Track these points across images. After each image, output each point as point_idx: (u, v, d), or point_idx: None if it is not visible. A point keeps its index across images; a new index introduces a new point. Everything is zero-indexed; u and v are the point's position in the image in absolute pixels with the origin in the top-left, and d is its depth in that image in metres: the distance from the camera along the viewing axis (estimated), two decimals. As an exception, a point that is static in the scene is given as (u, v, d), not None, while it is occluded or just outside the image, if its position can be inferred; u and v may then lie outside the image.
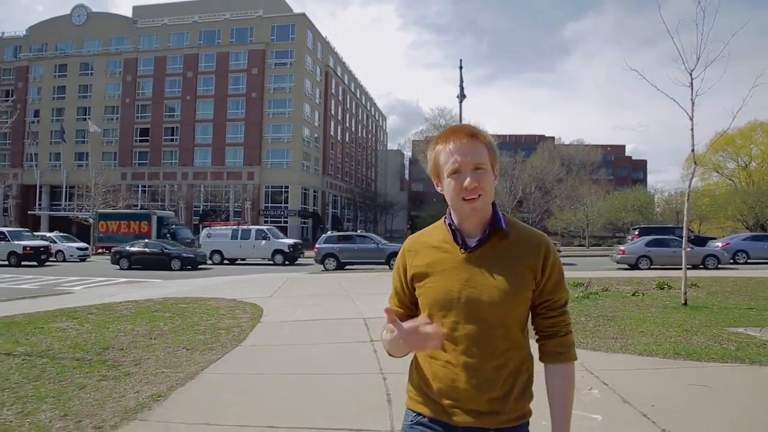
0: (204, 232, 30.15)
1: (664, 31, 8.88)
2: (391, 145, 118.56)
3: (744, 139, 53.27)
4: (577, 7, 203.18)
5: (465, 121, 27.85)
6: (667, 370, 5.37)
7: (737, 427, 3.82)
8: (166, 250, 26.22)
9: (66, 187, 67.18)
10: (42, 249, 27.83)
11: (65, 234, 35.47)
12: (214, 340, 7.43)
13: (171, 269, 24.92)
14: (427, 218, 58.86)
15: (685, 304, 9.09)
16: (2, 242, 27.32)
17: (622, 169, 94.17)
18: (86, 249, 32.76)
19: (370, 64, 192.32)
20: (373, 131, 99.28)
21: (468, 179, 1.47)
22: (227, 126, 62.34)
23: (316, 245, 24.70)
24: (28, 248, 27.09)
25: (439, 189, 1.61)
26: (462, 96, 22.14)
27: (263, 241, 28.14)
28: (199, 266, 25.87)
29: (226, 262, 28.73)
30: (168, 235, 35.30)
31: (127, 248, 26.93)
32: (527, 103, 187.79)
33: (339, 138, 75.47)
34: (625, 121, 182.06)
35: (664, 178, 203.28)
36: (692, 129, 8.70)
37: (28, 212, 66.09)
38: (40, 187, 66.87)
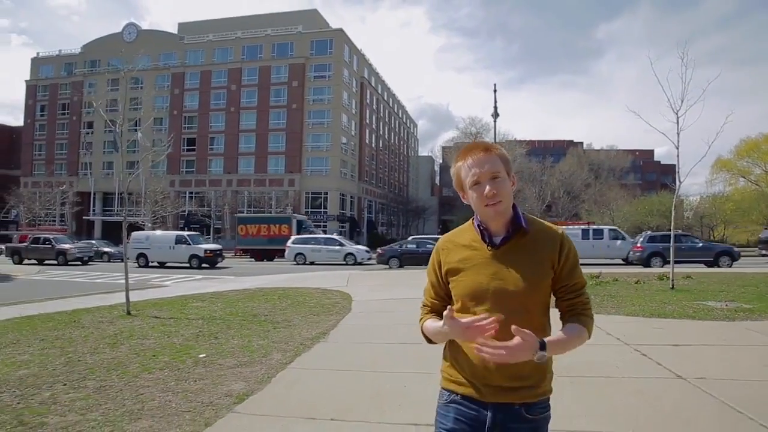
0: None
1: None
2: (422, 149, 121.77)
3: (769, 145, 54.73)
4: (610, 8, 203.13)
5: (497, 129, 30.45)
6: (641, 322, 8.27)
7: (670, 342, 6.66)
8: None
9: (118, 194, 71.87)
10: (218, 252, 30.41)
11: (331, 236, 36.98)
12: (328, 310, 10.47)
13: None
14: (459, 222, 60.84)
15: (672, 288, 11.90)
16: (184, 245, 29.69)
17: (650, 173, 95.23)
18: (369, 251, 33.52)
19: (401, 68, 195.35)
20: (405, 138, 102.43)
21: (488, 188, 1.68)
22: (269, 136, 66.29)
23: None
24: (208, 251, 29.44)
25: (465, 201, 1.81)
26: (496, 114, 25.04)
27: (618, 241, 27.67)
28: None
29: None
30: None
31: (396, 248, 28.75)
32: (558, 107, 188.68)
33: (373, 146, 78.82)
34: (659, 123, 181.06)
35: (699, 180, 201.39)
36: (678, 156, 11.52)
37: (83, 217, 70.80)
38: (94, 194, 71.69)
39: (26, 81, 78.69)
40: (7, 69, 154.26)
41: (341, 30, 67.26)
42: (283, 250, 37.35)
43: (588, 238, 27.34)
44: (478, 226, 1.77)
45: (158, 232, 34.44)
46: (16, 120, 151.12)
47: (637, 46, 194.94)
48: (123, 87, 13.39)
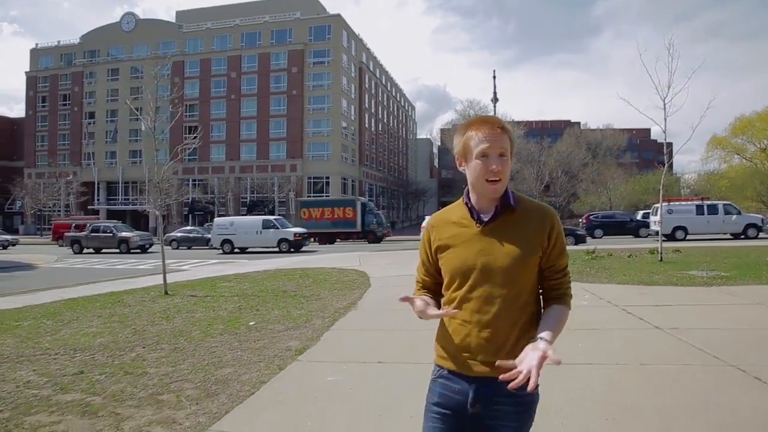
0: (664, 208, 28.63)
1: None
2: (420, 131, 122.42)
3: (763, 123, 55.63)
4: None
5: (496, 111, 31.21)
6: (630, 289, 9.43)
7: (653, 303, 7.78)
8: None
9: (122, 183, 72.87)
10: (305, 236, 31.09)
11: None
12: (349, 286, 11.58)
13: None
14: (459, 204, 62.17)
15: (661, 260, 13.05)
16: (272, 230, 30.02)
17: (647, 152, 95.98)
18: None
19: (397, 50, 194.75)
20: (403, 121, 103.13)
21: (495, 164, 1.72)
22: (270, 122, 67.03)
23: None
24: (297, 235, 29.97)
25: (461, 168, 1.83)
26: (495, 99, 26.03)
27: (733, 216, 28.03)
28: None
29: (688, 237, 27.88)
30: (375, 220, 38.63)
31: None
32: (556, 86, 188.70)
33: (373, 130, 79.58)
34: (658, 100, 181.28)
35: (696, 158, 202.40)
36: (665, 139, 12.56)
37: (88, 207, 71.67)
38: (98, 184, 72.53)
39: (26, 72, 79.01)
40: (0, 58, 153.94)
41: (339, 15, 67.67)
42: (348, 233, 38.05)
43: (703, 214, 27.93)
44: (467, 203, 1.83)
45: (243, 218, 34.58)
46: (11, 111, 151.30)
47: (635, 23, 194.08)
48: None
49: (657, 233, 27.62)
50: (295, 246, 29.33)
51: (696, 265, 12.32)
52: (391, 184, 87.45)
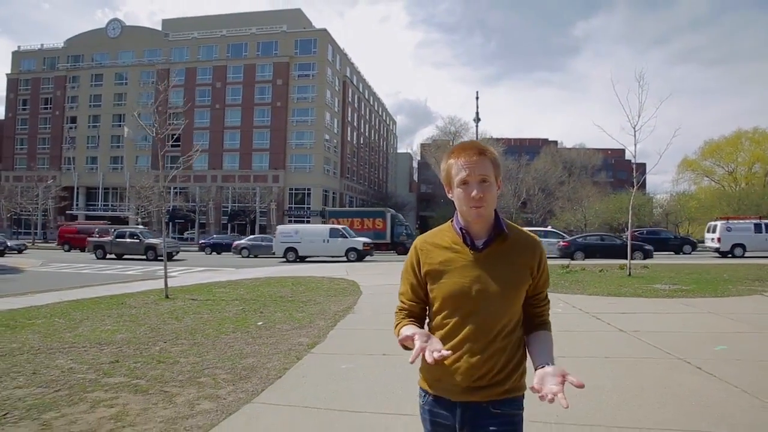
0: (722, 226, 29.31)
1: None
2: (400, 145, 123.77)
3: (730, 147, 58.08)
4: (588, 5, 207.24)
5: (473, 125, 32.04)
6: (600, 299, 10.43)
7: (619, 311, 8.75)
8: (618, 241, 28.54)
9: (102, 189, 72.55)
10: (373, 245, 31.14)
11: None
12: (342, 293, 12.38)
13: (623, 258, 25.93)
14: (438, 218, 63.48)
15: (629, 275, 14.15)
16: (340, 239, 29.96)
17: (621, 171, 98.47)
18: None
19: (379, 63, 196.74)
20: (384, 135, 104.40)
21: (475, 191, 1.71)
22: (254, 133, 67.63)
23: None
24: (366, 244, 30.02)
25: (450, 196, 1.83)
26: (477, 119, 27.19)
27: None
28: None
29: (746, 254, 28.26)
30: (404, 231, 38.53)
31: (579, 240, 29.13)
32: (535, 103, 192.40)
33: (355, 143, 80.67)
34: (630, 125, 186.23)
35: (670, 178, 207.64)
36: (634, 164, 13.68)
37: (67, 212, 71.13)
38: (78, 189, 72.09)
39: (7, 74, 78.46)
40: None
41: (325, 30, 68.82)
42: (377, 244, 37.03)
43: (761, 232, 28.60)
44: (461, 229, 1.80)
45: (309, 226, 34.65)
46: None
47: (614, 44, 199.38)
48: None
49: (716, 250, 28.97)
50: (362, 255, 29.20)
51: (660, 280, 13.43)
52: (371, 197, 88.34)
